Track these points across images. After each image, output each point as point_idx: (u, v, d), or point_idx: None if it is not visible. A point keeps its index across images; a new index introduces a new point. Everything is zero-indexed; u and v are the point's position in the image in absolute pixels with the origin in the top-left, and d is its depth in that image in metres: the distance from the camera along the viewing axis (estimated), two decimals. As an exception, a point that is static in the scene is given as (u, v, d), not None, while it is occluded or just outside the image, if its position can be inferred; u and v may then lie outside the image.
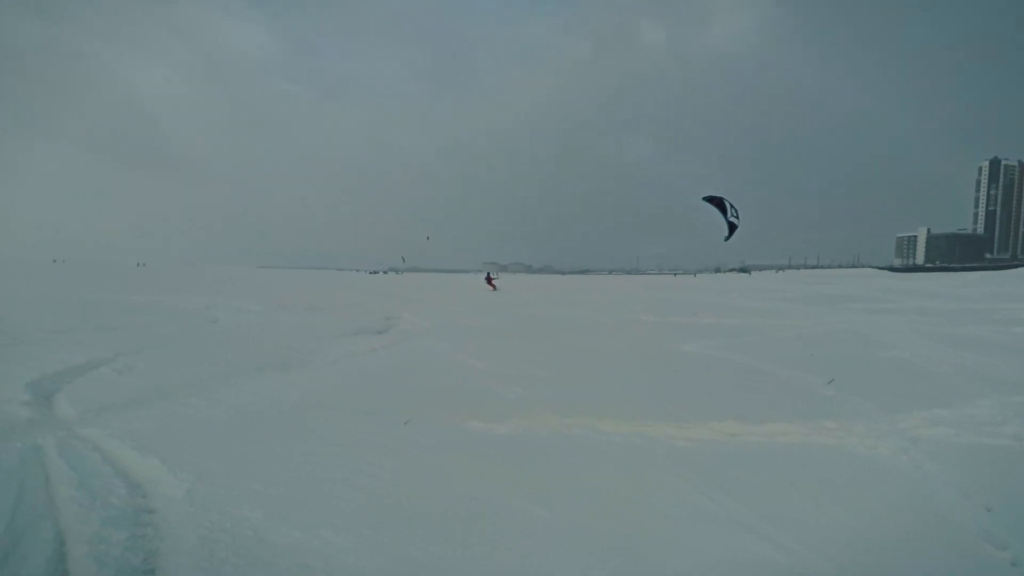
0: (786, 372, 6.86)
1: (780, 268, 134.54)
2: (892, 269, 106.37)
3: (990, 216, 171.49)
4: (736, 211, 12.52)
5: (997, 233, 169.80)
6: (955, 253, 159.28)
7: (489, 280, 34.29)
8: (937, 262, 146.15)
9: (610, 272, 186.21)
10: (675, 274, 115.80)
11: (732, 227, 13.61)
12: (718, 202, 12.18)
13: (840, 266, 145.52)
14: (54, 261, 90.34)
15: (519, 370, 6.82)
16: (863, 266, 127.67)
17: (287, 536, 2.55)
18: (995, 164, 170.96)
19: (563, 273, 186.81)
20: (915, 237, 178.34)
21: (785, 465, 3.73)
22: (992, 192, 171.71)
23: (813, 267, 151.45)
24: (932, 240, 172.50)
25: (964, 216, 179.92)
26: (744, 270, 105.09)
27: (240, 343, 9.00)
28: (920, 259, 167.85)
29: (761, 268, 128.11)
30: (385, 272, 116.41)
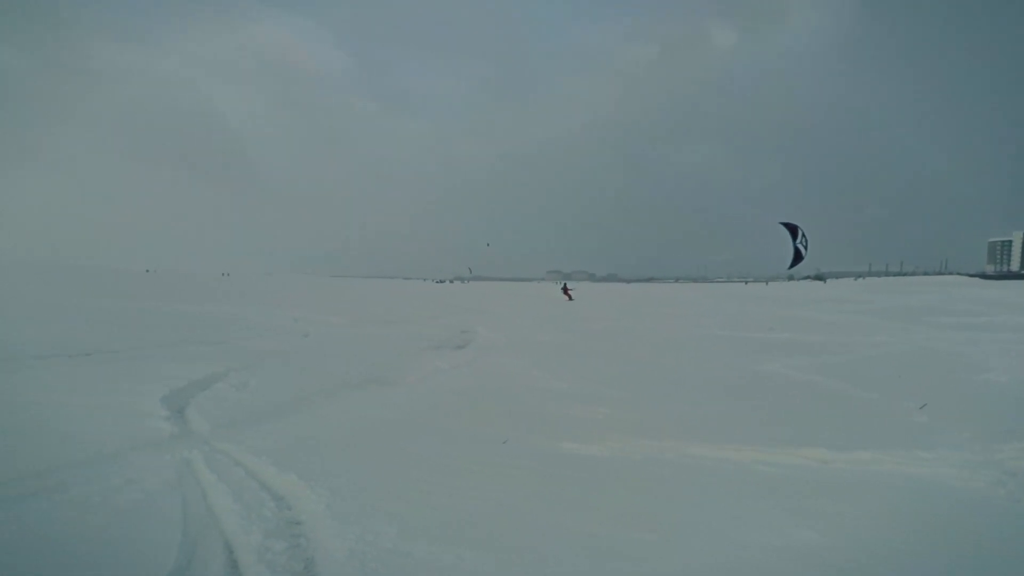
0: (873, 395, 6.75)
1: (859, 275, 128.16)
2: (984, 276, 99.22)
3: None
4: (806, 241, 12.46)
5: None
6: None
7: (566, 290, 35.94)
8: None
9: (676, 280, 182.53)
10: (746, 282, 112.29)
11: (798, 255, 13.51)
12: (793, 229, 12.16)
13: (925, 272, 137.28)
14: (147, 271, 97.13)
15: (601, 390, 7.00)
16: (951, 273, 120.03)
17: (426, 551, 2.85)
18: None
19: (627, 281, 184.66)
20: (1010, 242, 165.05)
21: (880, 496, 3.75)
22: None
23: (896, 274, 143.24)
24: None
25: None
26: (820, 278, 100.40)
27: (334, 358, 9.62)
28: (1016, 265, 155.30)
29: (838, 275, 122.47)
30: (451, 281, 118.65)
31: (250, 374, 7.60)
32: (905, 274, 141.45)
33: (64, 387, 6.46)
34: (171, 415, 5.46)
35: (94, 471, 3.91)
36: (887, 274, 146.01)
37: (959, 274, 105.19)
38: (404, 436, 5.00)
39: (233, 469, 4.03)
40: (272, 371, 7.99)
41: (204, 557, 2.84)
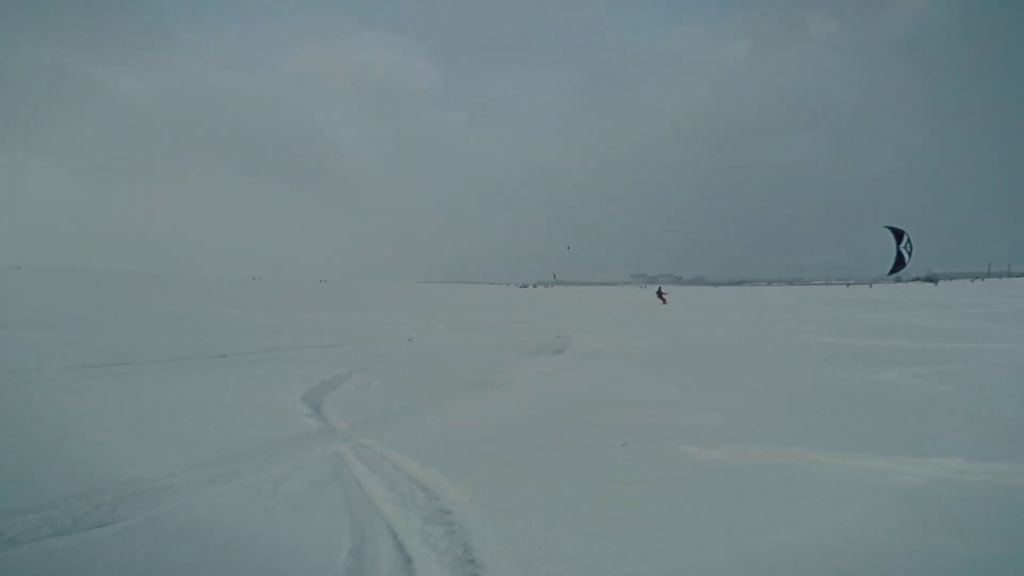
0: (1005, 407, 6.35)
1: (977, 277, 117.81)
2: None
3: None
4: (911, 246, 11.87)
5: None
6: None
7: (660, 294, 38.15)
8: None
9: (769, 283, 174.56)
10: (847, 284, 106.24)
11: (900, 260, 12.88)
12: (898, 233, 11.72)
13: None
14: (253, 278, 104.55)
15: (709, 398, 6.93)
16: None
17: (570, 541, 3.05)
18: None
19: (716, 284, 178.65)
20: None
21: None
22: None
23: (1018, 275, 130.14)
24: None
25: None
26: (931, 279, 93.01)
27: (440, 361, 10.18)
28: None
29: (952, 277, 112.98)
30: (534, 286, 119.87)
31: (371, 376, 8.18)
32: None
33: (211, 387, 7.25)
34: (312, 412, 6.02)
35: (259, 461, 4.42)
36: (1009, 275, 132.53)
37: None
38: (526, 436, 5.24)
39: (380, 462, 4.41)
40: (389, 373, 8.56)
41: (375, 539, 3.18)
